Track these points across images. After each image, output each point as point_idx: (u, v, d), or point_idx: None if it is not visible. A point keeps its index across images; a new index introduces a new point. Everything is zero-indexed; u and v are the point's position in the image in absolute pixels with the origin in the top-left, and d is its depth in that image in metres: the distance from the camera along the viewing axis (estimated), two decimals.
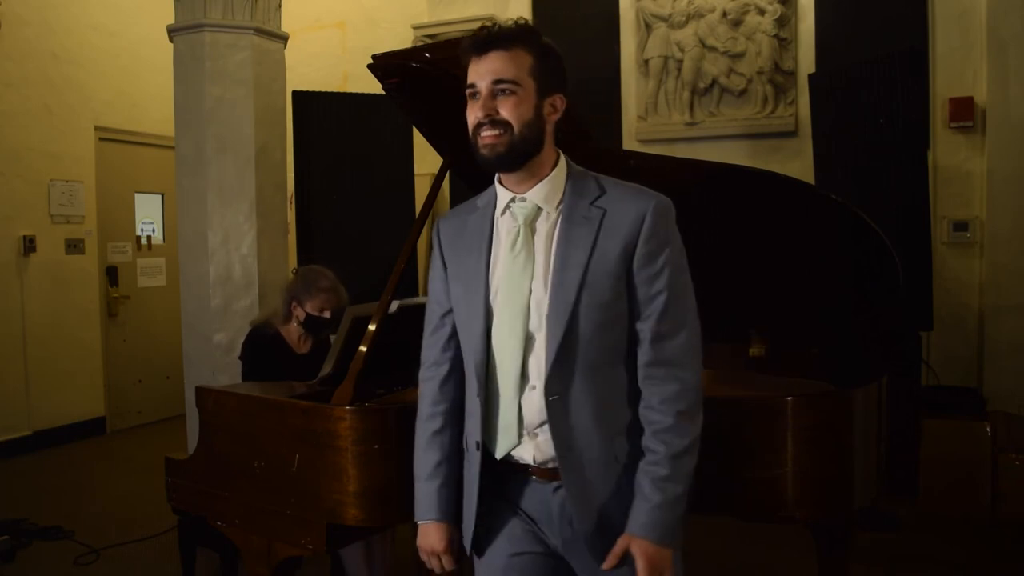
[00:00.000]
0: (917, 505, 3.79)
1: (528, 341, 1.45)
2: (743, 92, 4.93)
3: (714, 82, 4.99)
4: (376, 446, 1.94)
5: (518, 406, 1.47)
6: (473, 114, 1.45)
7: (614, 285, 1.42)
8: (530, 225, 1.48)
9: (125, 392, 5.91)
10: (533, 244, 1.47)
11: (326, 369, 2.34)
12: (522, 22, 1.48)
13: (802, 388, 2.21)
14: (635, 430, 1.46)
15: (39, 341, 5.31)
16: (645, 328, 1.44)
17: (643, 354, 1.45)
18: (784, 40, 4.82)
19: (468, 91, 1.46)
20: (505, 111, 1.42)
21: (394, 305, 2.24)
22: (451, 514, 1.58)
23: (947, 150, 4.45)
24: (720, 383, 2.45)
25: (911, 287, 3.29)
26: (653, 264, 1.43)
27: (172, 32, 3.90)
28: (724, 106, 5.01)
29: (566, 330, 1.41)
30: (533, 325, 1.45)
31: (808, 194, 2.54)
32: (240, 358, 2.92)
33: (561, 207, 1.47)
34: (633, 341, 1.46)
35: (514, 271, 1.47)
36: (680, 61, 5.05)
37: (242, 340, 2.98)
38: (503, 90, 1.42)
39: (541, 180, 1.48)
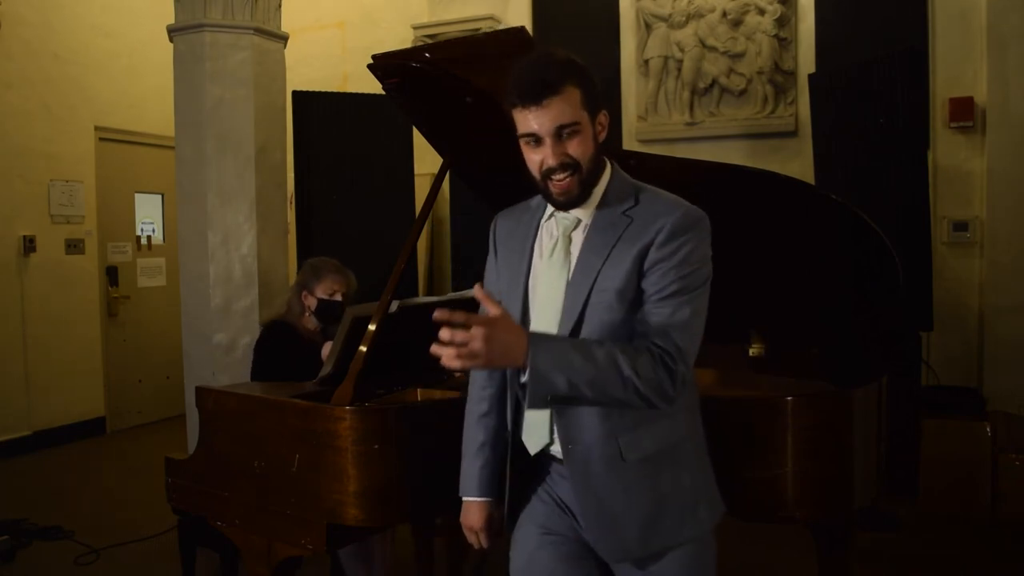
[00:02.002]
0: (917, 505, 3.79)
1: None
2: (743, 92, 4.93)
3: (714, 82, 4.99)
4: (376, 446, 1.94)
5: (550, 411, 1.50)
6: (539, 159, 1.45)
7: (622, 288, 1.44)
8: (568, 235, 1.52)
9: (125, 392, 5.91)
10: (569, 253, 1.51)
11: (326, 369, 2.34)
12: (563, 56, 1.45)
13: (802, 388, 2.21)
14: (644, 431, 1.47)
15: (39, 341, 5.31)
16: (643, 316, 1.45)
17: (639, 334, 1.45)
18: (784, 40, 4.82)
19: (524, 139, 1.46)
20: (572, 151, 1.44)
21: (394, 305, 2.24)
22: (491, 493, 1.66)
23: (947, 150, 4.45)
24: (720, 383, 2.45)
25: (911, 287, 3.29)
26: (660, 267, 1.44)
27: (172, 32, 3.90)
28: (724, 106, 5.01)
29: (573, 328, 1.45)
30: (563, 331, 1.48)
31: (808, 194, 2.54)
32: (255, 348, 2.91)
33: (594, 217, 1.51)
34: None
35: (550, 277, 1.52)
36: (680, 61, 5.05)
37: (243, 340, 2.97)
38: (567, 133, 1.43)
39: (584, 203, 1.51)
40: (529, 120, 1.43)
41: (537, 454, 1.57)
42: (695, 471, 1.54)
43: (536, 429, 1.54)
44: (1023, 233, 4.18)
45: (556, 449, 1.53)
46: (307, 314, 2.87)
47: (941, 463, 3.77)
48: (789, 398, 1.98)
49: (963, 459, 3.76)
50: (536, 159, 1.46)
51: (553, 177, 1.45)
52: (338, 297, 2.84)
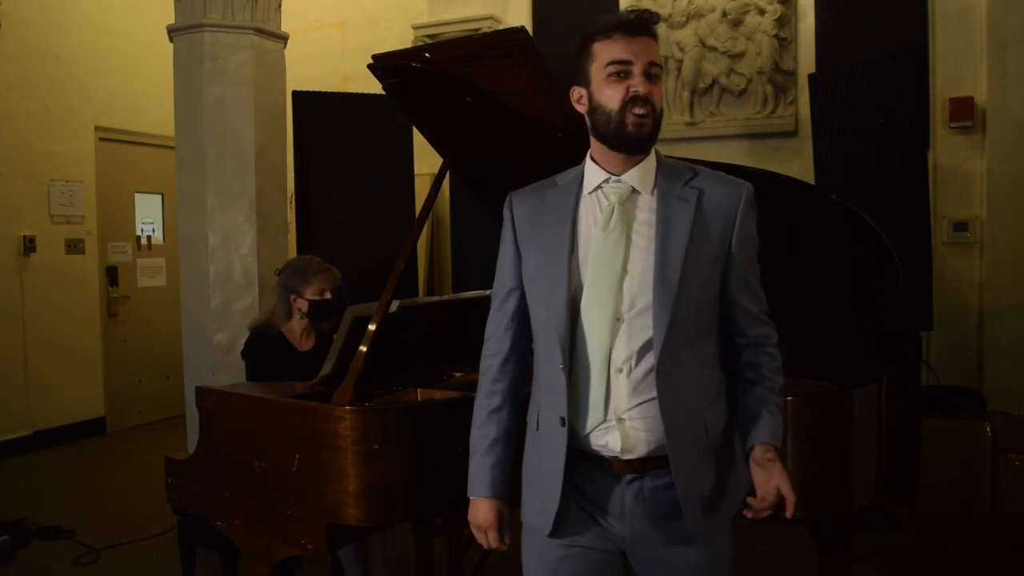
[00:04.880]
0: (917, 505, 3.78)
1: (617, 322, 1.45)
2: (743, 92, 4.93)
3: (714, 82, 4.99)
4: (376, 446, 1.94)
5: (605, 387, 1.46)
6: (625, 88, 1.44)
7: (712, 264, 1.47)
8: (623, 204, 1.49)
9: (125, 392, 5.91)
10: (628, 224, 1.48)
11: (326, 369, 2.34)
12: (647, 16, 1.50)
13: (802, 388, 2.21)
14: (719, 403, 1.52)
15: (39, 341, 5.31)
16: (746, 305, 1.52)
17: (748, 327, 1.53)
18: (784, 40, 4.82)
19: (613, 67, 1.44)
20: (654, 94, 1.46)
21: (394, 305, 2.24)
22: (502, 491, 1.61)
23: (947, 150, 4.45)
24: None
25: (911, 287, 3.29)
26: (749, 246, 1.51)
27: (172, 32, 3.90)
28: (724, 106, 5.00)
29: (673, 307, 1.43)
30: (624, 306, 1.45)
31: (808, 194, 2.54)
32: (243, 356, 2.90)
33: (656, 189, 1.50)
34: (721, 316, 1.53)
35: (606, 249, 1.47)
36: (680, 61, 5.05)
37: (242, 340, 2.97)
38: (654, 75, 1.46)
39: (638, 163, 1.50)
40: (622, 49, 1.44)
41: (575, 454, 1.51)
42: (740, 452, 1.56)
43: (594, 407, 1.47)
44: (1023, 233, 4.18)
45: (603, 440, 1.47)
46: (297, 316, 2.86)
47: (941, 463, 3.77)
48: (789, 398, 1.98)
49: (963, 459, 3.76)
50: (621, 88, 1.44)
51: (635, 108, 1.43)
52: (328, 296, 2.82)
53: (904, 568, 3.30)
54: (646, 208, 1.49)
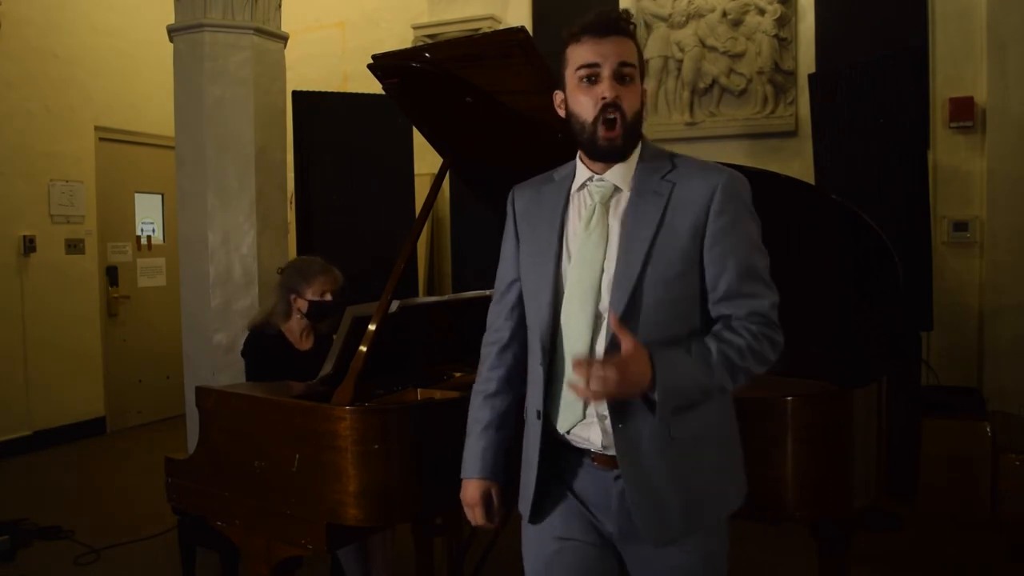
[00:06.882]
0: (917, 505, 3.79)
1: (598, 320, 1.45)
2: (743, 92, 4.93)
3: (714, 82, 4.99)
4: (376, 446, 1.94)
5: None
6: (595, 95, 1.42)
7: (681, 261, 1.43)
8: (605, 204, 1.49)
9: (125, 392, 5.91)
10: (608, 223, 1.48)
11: (326, 369, 2.34)
12: (616, 16, 1.48)
13: (802, 388, 2.21)
14: (692, 410, 1.45)
15: (39, 341, 5.31)
16: (717, 306, 1.46)
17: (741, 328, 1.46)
18: (784, 40, 4.82)
19: (583, 71, 1.43)
20: (624, 96, 1.43)
21: (394, 305, 2.24)
22: (492, 473, 1.64)
23: (947, 150, 4.45)
24: None
25: (911, 287, 3.29)
26: (723, 242, 1.43)
27: (172, 32, 3.90)
28: (724, 106, 5.01)
29: (628, 303, 1.41)
30: (604, 305, 1.45)
31: (808, 194, 2.54)
32: (243, 355, 2.90)
33: (632, 184, 1.48)
34: (700, 318, 1.48)
35: (587, 248, 1.47)
36: (680, 61, 5.05)
37: (242, 340, 2.97)
38: (626, 75, 1.43)
39: (622, 162, 1.49)
40: (590, 52, 1.42)
41: (562, 447, 1.52)
42: (732, 452, 1.55)
43: (570, 406, 1.48)
44: (1023, 233, 4.18)
45: (584, 434, 1.48)
46: (297, 316, 2.85)
47: (941, 463, 3.77)
48: (789, 398, 1.98)
49: (963, 459, 3.76)
50: (591, 95, 1.42)
51: (606, 116, 1.41)
52: (328, 297, 2.82)
53: (904, 568, 3.30)
54: (623, 205, 1.48)
